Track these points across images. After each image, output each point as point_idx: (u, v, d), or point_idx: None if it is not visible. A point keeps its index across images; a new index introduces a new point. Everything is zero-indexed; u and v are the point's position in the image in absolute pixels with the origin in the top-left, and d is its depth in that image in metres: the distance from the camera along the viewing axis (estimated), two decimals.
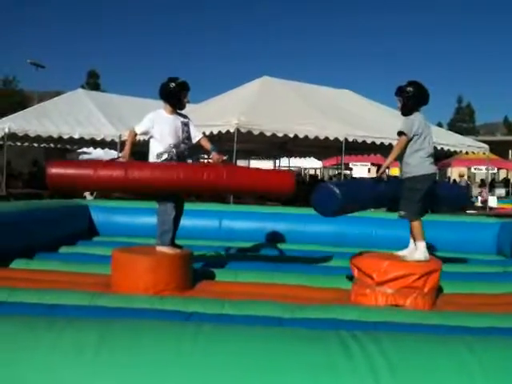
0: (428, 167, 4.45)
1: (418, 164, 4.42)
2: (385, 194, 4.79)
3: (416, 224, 4.42)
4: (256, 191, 5.05)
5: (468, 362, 1.79)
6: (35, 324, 1.93)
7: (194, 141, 4.93)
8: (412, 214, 4.42)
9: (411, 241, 4.50)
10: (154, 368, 1.74)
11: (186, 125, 4.84)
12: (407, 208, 4.44)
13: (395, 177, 5.19)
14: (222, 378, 1.73)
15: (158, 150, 4.72)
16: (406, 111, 4.51)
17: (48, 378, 1.74)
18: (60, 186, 4.61)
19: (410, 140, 4.42)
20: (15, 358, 1.77)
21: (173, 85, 4.74)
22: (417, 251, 4.36)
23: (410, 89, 4.48)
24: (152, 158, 4.75)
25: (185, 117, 4.92)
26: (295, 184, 4.96)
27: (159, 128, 4.72)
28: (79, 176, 4.35)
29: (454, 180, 21.61)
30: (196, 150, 5.03)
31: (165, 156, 4.69)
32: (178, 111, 4.88)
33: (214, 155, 4.86)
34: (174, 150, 4.71)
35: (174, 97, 4.76)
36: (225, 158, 5.17)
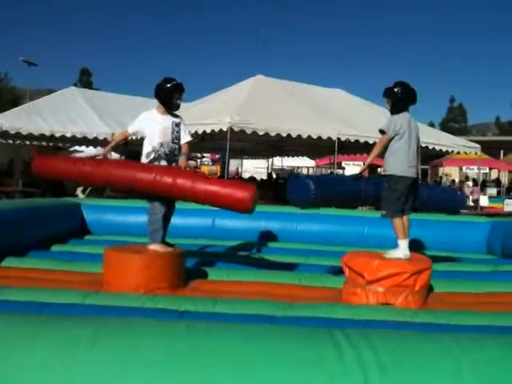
0: (406, 169, 4.46)
1: (397, 164, 4.46)
2: (364, 191, 4.86)
3: (396, 222, 4.46)
4: (207, 203, 4.74)
5: (458, 359, 1.81)
6: (28, 322, 1.93)
7: (182, 142, 4.93)
8: (391, 212, 4.47)
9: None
10: (146, 366, 1.75)
11: (177, 125, 4.85)
12: (387, 207, 4.50)
13: (380, 176, 5.25)
14: (215, 376, 1.74)
15: (147, 149, 4.76)
16: (395, 111, 4.56)
17: (41, 376, 1.74)
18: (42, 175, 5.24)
19: (391, 139, 4.48)
20: (7, 355, 1.77)
21: (167, 85, 4.75)
22: (398, 249, 4.41)
23: (397, 89, 4.55)
24: (143, 157, 4.78)
25: (178, 117, 4.92)
26: (254, 201, 4.45)
27: (149, 127, 4.76)
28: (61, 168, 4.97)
29: (447, 180, 21.70)
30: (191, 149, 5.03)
31: (152, 155, 4.72)
32: (172, 111, 4.89)
33: (182, 159, 4.82)
34: (161, 149, 4.72)
35: (167, 97, 4.78)
36: (194, 164, 5.28)
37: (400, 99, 4.54)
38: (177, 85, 4.79)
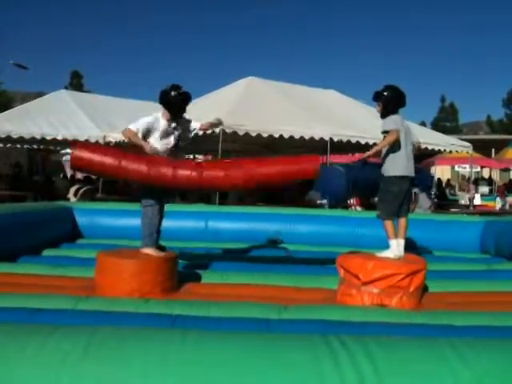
0: (403, 169, 4.48)
1: (394, 164, 4.47)
2: (370, 178, 4.82)
3: (387, 223, 4.48)
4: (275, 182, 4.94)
5: (455, 367, 1.80)
6: (19, 332, 1.89)
7: (192, 134, 5.01)
8: (385, 214, 4.48)
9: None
10: (139, 377, 1.72)
11: (176, 129, 4.79)
12: (382, 208, 4.51)
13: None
14: None
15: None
16: (386, 114, 4.57)
17: None
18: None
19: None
20: None
21: (178, 95, 4.64)
22: (389, 249, 4.42)
23: (387, 93, 4.58)
24: None
25: (181, 119, 4.85)
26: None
27: (152, 133, 4.67)
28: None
29: (439, 179, 21.75)
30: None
31: None
32: (176, 119, 4.78)
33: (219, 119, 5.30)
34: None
35: (176, 106, 4.67)
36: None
37: (390, 102, 4.57)
38: (186, 94, 4.69)
